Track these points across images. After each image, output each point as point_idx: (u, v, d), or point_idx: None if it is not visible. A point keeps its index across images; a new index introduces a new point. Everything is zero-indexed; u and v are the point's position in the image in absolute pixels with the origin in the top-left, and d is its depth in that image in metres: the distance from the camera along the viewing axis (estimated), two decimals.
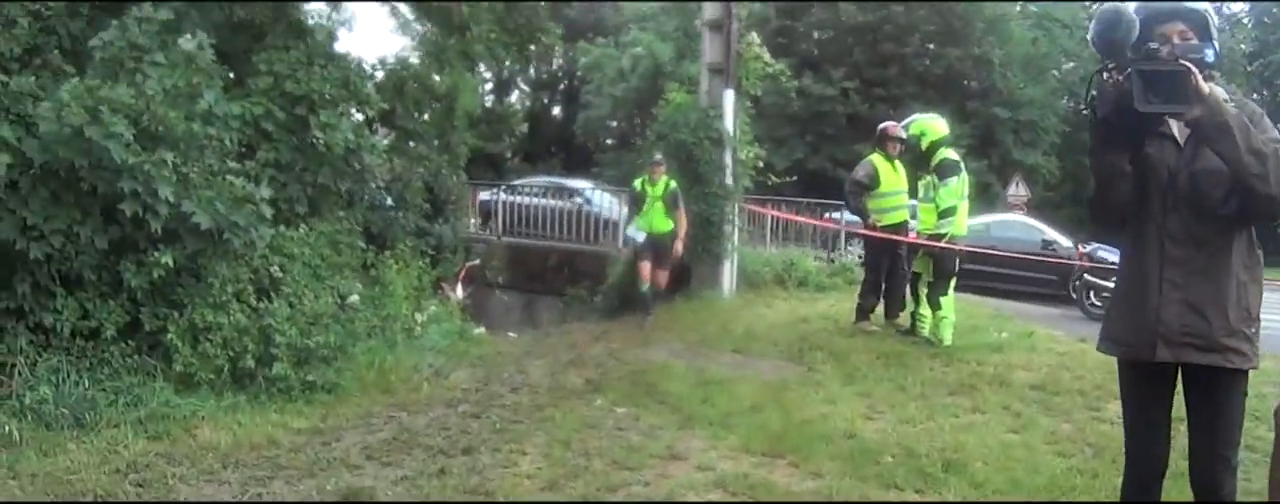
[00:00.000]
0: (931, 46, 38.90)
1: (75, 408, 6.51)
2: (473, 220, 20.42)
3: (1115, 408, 7.13)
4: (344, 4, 18.05)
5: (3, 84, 6.79)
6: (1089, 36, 3.28)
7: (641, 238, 11.57)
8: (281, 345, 7.38)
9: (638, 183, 11.66)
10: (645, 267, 11.50)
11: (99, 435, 6.24)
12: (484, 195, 21.45)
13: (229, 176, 7.41)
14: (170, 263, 7.07)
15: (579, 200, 19.67)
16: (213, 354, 7.27)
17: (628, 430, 6.39)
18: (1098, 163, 3.40)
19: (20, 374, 6.73)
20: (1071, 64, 49.29)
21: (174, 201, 6.91)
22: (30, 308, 6.98)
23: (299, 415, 6.91)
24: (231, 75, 9.91)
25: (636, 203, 11.66)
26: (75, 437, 6.19)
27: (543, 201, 19.85)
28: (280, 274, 8.54)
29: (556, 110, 58.91)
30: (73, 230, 6.88)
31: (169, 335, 7.25)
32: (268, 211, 7.41)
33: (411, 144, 16.43)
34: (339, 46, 12.36)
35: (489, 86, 51.53)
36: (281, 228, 9.18)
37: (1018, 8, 42.99)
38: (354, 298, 9.00)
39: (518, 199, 20.42)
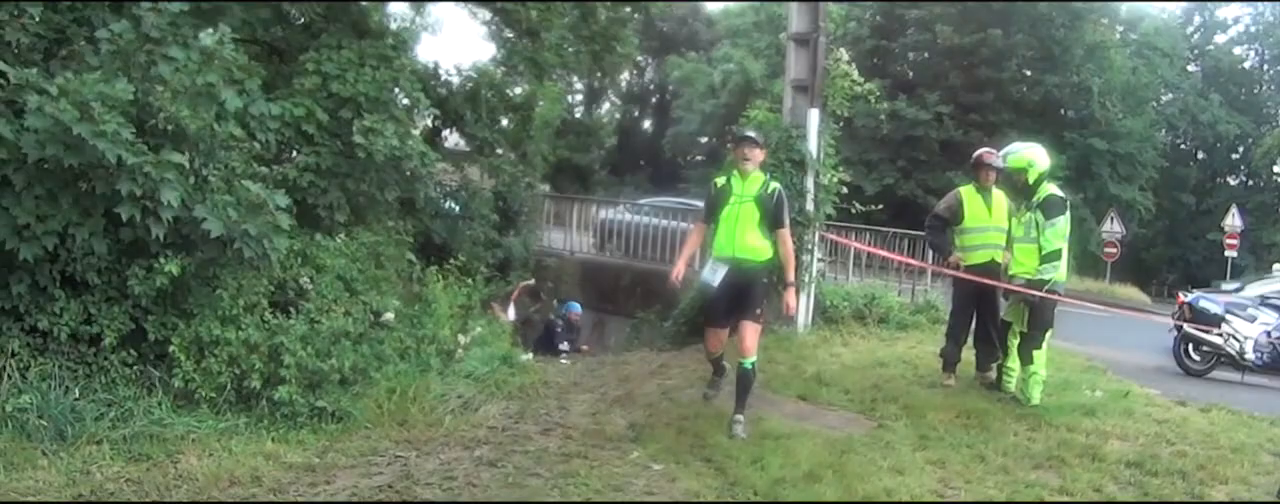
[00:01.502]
0: (1028, 73, 37.77)
1: (58, 419, 6.01)
2: (592, 238, 19.89)
3: (1221, 495, 6.19)
4: (428, 6, 17.62)
5: (2, 75, 6.22)
6: None
7: (719, 277, 7.27)
8: (291, 366, 6.71)
9: (719, 179, 7.57)
10: (718, 333, 7.73)
11: (77, 452, 5.75)
12: (604, 213, 20.48)
13: (246, 182, 6.76)
14: (175, 271, 6.47)
15: None
16: (217, 371, 6.66)
17: (657, 496, 5.56)
18: None
19: (9, 378, 6.24)
20: (1170, 96, 47.98)
21: (180, 206, 6.31)
22: (26, 309, 6.49)
23: (299, 446, 6.24)
24: (274, 72, 9.40)
25: (712, 210, 7.49)
26: (52, 450, 5.71)
27: (666, 222, 18.51)
28: (309, 286, 7.94)
29: (646, 124, 58.60)
30: (68, 231, 6.31)
31: (172, 347, 6.66)
32: (285, 221, 6.74)
33: (499, 153, 16.00)
34: (423, 51, 11.92)
35: (579, 97, 51.31)
36: (318, 237, 8.62)
37: (1118, 35, 41.57)
38: (388, 315, 8.30)
39: (640, 218, 19.32)
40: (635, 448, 6.53)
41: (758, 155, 7.46)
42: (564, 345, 14.38)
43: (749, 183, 7.37)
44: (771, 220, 7.31)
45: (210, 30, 6.91)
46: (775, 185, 7.44)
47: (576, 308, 15.27)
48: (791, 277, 7.54)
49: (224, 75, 6.92)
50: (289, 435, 6.40)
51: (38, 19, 7.27)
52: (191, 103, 6.64)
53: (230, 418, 6.51)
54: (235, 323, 6.90)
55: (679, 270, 7.70)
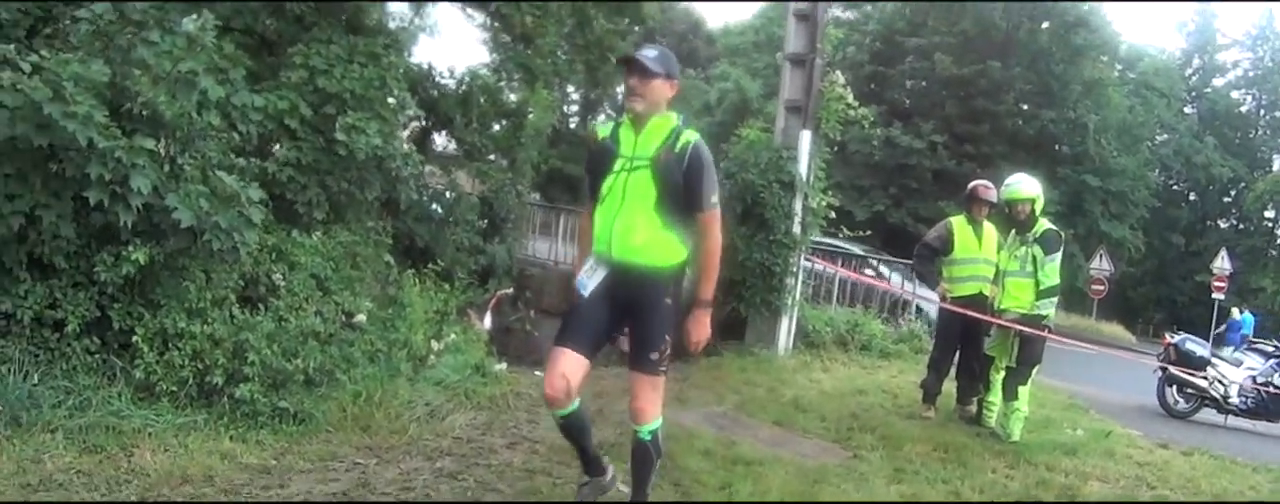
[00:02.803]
0: (1025, 107, 37.91)
1: (15, 404, 5.78)
2: None
3: None
4: (427, 7, 17.50)
5: None
6: None
7: (594, 282, 4.78)
8: (255, 364, 6.51)
9: (603, 130, 4.94)
10: (563, 363, 4.73)
11: (31, 439, 5.53)
12: None
13: (220, 173, 6.58)
14: (142, 260, 6.29)
15: (869, 272, 16.09)
16: (179, 364, 6.44)
17: None
18: None
19: None
20: (1165, 136, 48.28)
21: (151, 193, 6.15)
22: None
23: (257, 446, 6.03)
24: (262, 63, 9.26)
25: (592, 181, 4.89)
26: (6, 436, 5.51)
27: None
28: (280, 283, 7.76)
29: None
30: (36, 213, 6.12)
31: (136, 338, 6.47)
32: (257, 214, 6.56)
33: (490, 159, 15.89)
34: (419, 52, 11.77)
35: (575, 108, 51.23)
36: (294, 233, 8.45)
37: (1116, 73, 41.81)
38: (360, 317, 8.13)
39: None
40: None
41: (655, 90, 4.65)
42: None
43: (646, 135, 4.67)
44: (679, 199, 4.60)
45: (194, 16, 6.72)
46: (689, 139, 4.63)
47: None
48: (708, 292, 4.81)
49: (207, 63, 6.76)
50: (248, 435, 6.20)
51: None
52: (170, 89, 6.48)
53: (190, 413, 6.29)
54: (201, 316, 6.70)
55: (578, 272, 4.92)
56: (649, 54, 4.71)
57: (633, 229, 4.60)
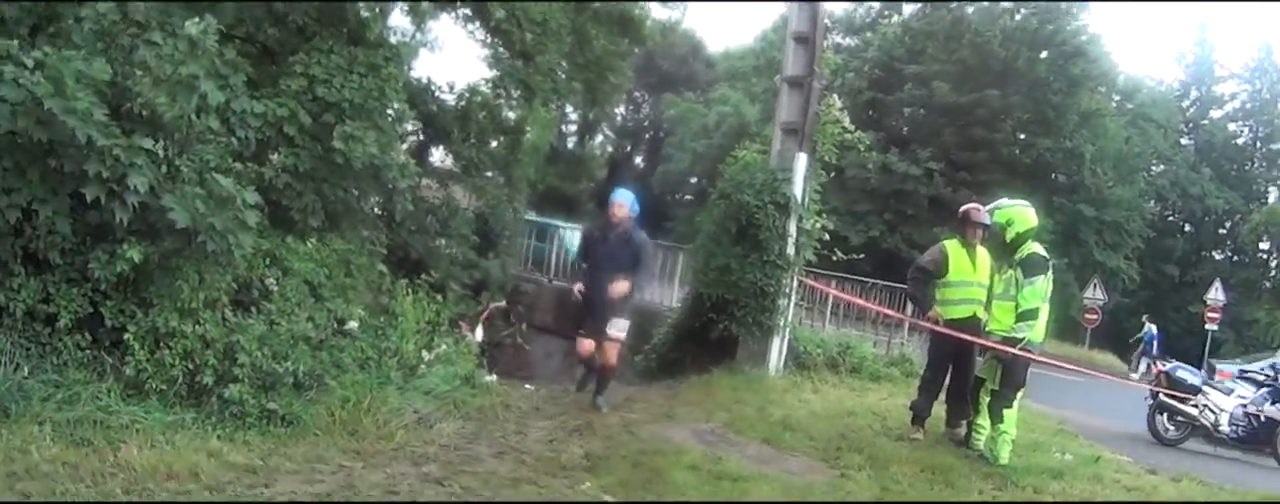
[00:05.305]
0: (1022, 135, 37.95)
1: (4, 396, 5.84)
2: None
3: None
4: (428, 22, 17.53)
5: None
6: None
7: None
8: (245, 365, 6.55)
9: None
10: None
11: (18, 430, 5.57)
12: None
13: (217, 175, 6.62)
14: (136, 258, 6.33)
15: None
16: (170, 363, 6.49)
17: None
18: None
19: None
20: (1161, 167, 48.31)
21: (148, 193, 6.19)
22: None
23: (244, 446, 6.05)
24: (262, 71, 9.29)
25: None
26: None
27: None
28: (273, 287, 7.80)
29: (638, 159, 58.64)
30: (32, 207, 6.16)
31: (127, 335, 6.50)
32: (252, 218, 6.60)
33: (486, 174, 15.92)
34: (419, 67, 11.81)
35: (573, 128, 51.41)
36: (288, 239, 8.49)
37: (1113, 104, 41.85)
38: (352, 324, 8.17)
39: None
40: (588, 478, 6.36)
41: None
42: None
43: None
44: None
45: (196, 20, 6.76)
46: None
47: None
48: None
49: (208, 67, 6.80)
50: (236, 435, 6.23)
51: None
52: (171, 91, 6.52)
53: (178, 411, 6.33)
54: (193, 316, 6.75)
55: None
56: None
57: None
